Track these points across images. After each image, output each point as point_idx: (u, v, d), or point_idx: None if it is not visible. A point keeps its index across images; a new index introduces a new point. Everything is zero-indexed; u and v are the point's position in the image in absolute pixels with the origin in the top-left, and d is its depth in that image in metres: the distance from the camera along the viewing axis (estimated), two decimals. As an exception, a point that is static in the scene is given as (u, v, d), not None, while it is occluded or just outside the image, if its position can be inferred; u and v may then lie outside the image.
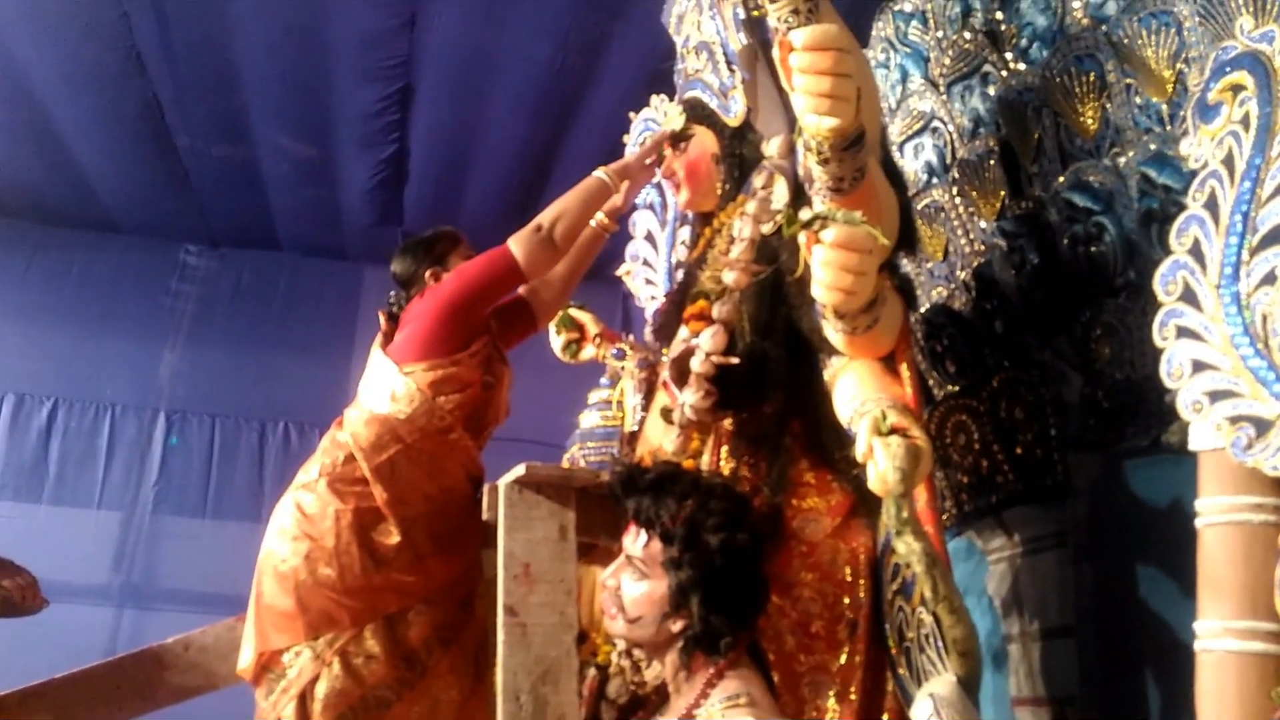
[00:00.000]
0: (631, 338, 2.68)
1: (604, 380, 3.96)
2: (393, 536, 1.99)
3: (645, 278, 2.64)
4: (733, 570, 1.52)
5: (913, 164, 2.54)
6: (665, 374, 1.88)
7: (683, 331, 2.04)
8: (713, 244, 2.02)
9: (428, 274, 2.26)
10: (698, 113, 2.20)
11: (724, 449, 1.89)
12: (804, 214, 1.33)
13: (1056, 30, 2.22)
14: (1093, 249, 2.04)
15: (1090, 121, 2.09)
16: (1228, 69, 1.23)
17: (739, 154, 2.12)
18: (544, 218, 2.18)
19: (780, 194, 1.83)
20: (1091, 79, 2.06)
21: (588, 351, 2.60)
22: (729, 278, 1.80)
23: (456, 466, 2.11)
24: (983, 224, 2.36)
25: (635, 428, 2.23)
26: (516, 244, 2.16)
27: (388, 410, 2.09)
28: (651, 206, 2.65)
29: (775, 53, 1.35)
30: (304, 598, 1.95)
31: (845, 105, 1.33)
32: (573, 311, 2.61)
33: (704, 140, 2.19)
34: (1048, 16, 2.25)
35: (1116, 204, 1.98)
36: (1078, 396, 2.12)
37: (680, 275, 2.49)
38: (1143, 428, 1.92)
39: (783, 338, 1.86)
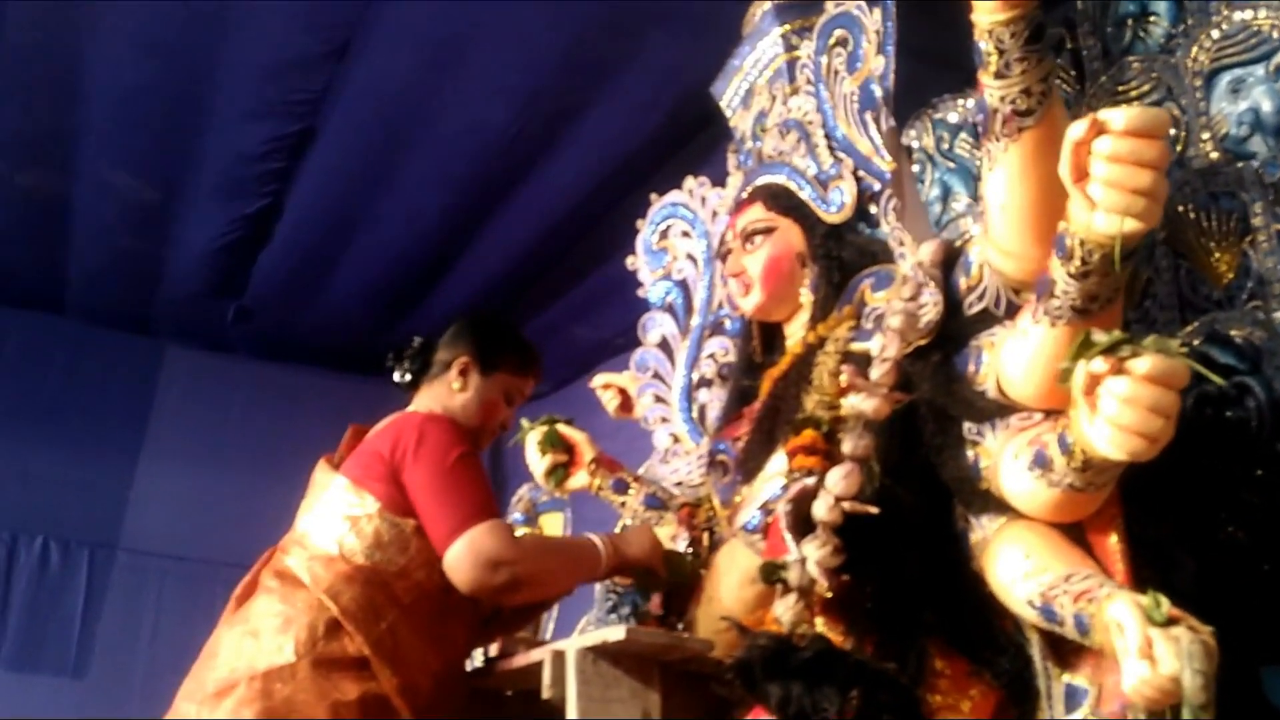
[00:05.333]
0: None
1: (517, 517, 3.70)
2: None
3: (655, 394, 2.46)
4: (906, 786, 1.36)
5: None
6: (779, 520, 1.71)
7: (774, 464, 1.88)
8: (815, 360, 1.89)
9: (457, 362, 2.02)
10: (782, 202, 2.10)
11: (819, 620, 1.72)
12: (1098, 336, 1.22)
13: (1174, 161, 2.26)
14: (1228, 413, 2.04)
15: (1225, 268, 2.11)
16: None
17: (837, 256, 2.02)
18: (519, 563, 1.85)
19: (932, 308, 1.72)
20: (1232, 221, 2.09)
21: (578, 479, 2.36)
22: (866, 405, 1.65)
23: (459, 630, 1.86)
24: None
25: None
26: (463, 559, 1.80)
27: (370, 559, 1.81)
28: (671, 309, 2.48)
29: (1067, 133, 1.26)
30: None
31: (1156, 210, 1.24)
32: (562, 428, 2.38)
33: (788, 236, 2.08)
34: (1163, 143, 2.29)
35: (1265, 364, 1.99)
36: (1190, 584, 2.08)
37: (717, 395, 2.34)
38: (1287, 632, 1.89)
39: (918, 484, 1.72)
